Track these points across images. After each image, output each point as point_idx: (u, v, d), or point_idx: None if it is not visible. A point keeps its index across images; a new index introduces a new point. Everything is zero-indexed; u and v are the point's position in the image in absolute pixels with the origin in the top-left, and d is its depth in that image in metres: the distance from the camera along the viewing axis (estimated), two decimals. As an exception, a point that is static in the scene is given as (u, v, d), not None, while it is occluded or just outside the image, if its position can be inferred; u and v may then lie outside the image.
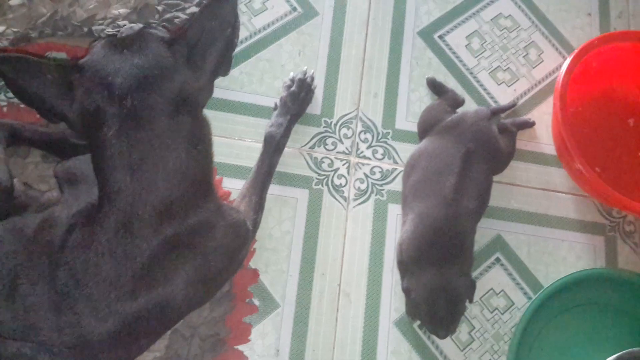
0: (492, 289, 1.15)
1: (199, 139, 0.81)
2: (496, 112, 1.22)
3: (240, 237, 0.90)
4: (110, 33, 1.12)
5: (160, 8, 1.22)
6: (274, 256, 1.12)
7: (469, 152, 1.08)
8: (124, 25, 1.15)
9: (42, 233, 0.83)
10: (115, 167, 0.77)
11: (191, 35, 0.81)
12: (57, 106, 0.79)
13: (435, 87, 1.25)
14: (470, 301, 1.05)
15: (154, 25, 1.09)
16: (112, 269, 0.78)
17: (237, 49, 1.23)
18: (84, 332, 0.78)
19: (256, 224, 1.06)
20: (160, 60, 0.78)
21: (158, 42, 0.80)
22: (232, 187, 1.14)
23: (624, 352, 1.03)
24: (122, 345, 0.82)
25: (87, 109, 0.77)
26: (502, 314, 1.14)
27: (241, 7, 1.26)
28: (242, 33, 1.25)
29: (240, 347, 1.06)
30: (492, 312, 1.14)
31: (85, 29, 1.17)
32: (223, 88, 1.20)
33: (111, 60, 0.78)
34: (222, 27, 0.82)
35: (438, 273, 1.01)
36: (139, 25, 0.90)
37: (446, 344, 1.11)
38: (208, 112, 1.16)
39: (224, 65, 0.84)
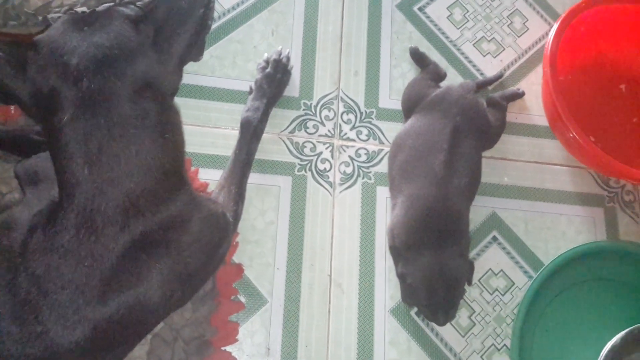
0: (490, 269, 1.10)
1: (167, 127, 0.74)
2: (482, 85, 1.17)
3: (219, 230, 0.83)
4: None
5: (122, -9, 1.14)
6: (258, 249, 1.05)
7: (456, 127, 1.02)
8: (83, 12, 1.07)
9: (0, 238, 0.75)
10: (71, 157, 0.69)
11: (159, 14, 0.73)
12: (9, 85, 0.71)
13: (418, 57, 1.18)
14: (469, 284, 0.99)
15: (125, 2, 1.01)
16: (77, 272, 0.71)
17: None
18: (50, 343, 0.71)
19: (237, 216, 0.99)
20: (122, 40, 0.70)
21: (122, 20, 0.72)
22: (210, 178, 1.07)
23: (633, 327, 0.99)
24: (95, 354, 0.75)
25: (40, 90, 0.69)
26: (503, 295, 1.09)
27: (209, -14, 1.19)
28: (211, 14, 1.17)
29: (227, 348, 0.99)
30: (492, 294, 1.08)
31: (40, 18, 1.08)
32: (193, 73, 1.12)
33: (69, 37, 0.70)
34: (194, 7, 0.74)
35: (434, 256, 0.95)
36: (110, 4, 0.82)
37: (446, 331, 1.04)
38: (178, 100, 1.07)
39: (195, 49, 0.76)
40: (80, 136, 0.68)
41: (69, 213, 0.71)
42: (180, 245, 0.76)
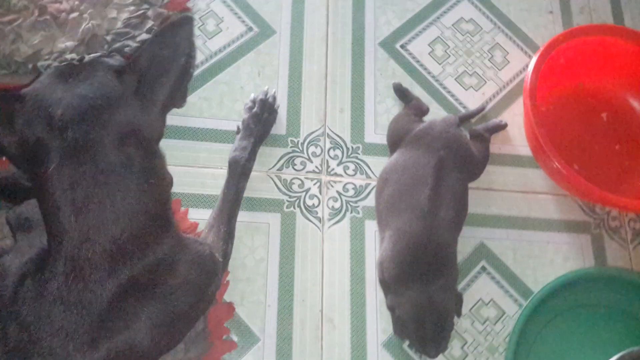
0: (480, 299, 1.10)
1: (152, 173, 0.75)
2: (465, 118, 1.19)
3: (206, 271, 0.84)
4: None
5: (109, 38, 1.17)
6: (249, 287, 1.06)
7: (441, 161, 1.04)
8: (72, 59, 1.10)
9: (-10, 286, 0.76)
10: (58, 206, 0.70)
11: (142, 64, 0.75)
12: None
13: (401, 93, 1.21)
14: (458, 316, 1.00)
15: (110, 54, 1.03)
16: (67, 319, 0.72)
17: (194, 74, 1.17)
18: (42, 391, 0.71)
19: (227, 255, 1.00)
20: (105, 90, 0.73)
21: (106, 71, 0.75)
22: (199, 217, 1.08)
23: (624, 352, 0.99)
24: (86, 400, 0.75)
25: (27, 141, 0.71)
26: (494, 324, 1.09)
27: (194, 31, 1.22)
28: (198, 57, 1.20)
29: (220, 388, 0.99)
30: (483, 324, 1.09)
31: (30, 66, 1.11)
32: (182, 115, 1.15)
33: (54, 89, 0.73)
34: (176, 57, 0.76)
35: (422, 289, 0.95)
36: (97, 54, 0.84)
37: (439, 363, 1.05)
38: (168, 142, 1.12)
39: (178, 96, 0.78)
40: (66, 185, 0.70)
41: (57, 261, 0.72)
42: (168, 288, 0.77)
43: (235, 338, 1.02)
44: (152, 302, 0.76)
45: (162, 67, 0.75)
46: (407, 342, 1.05)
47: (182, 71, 0.77)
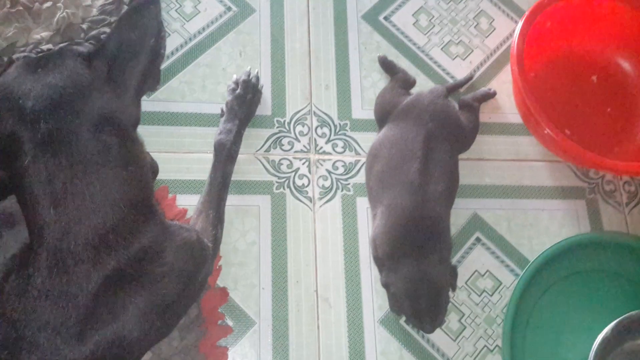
0: (476, 270, 1.09)
1: (130, 160, 0.73)
2: (453, 88, 1.17)
3: (194, 258, 0.82)
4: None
5: (85, 26, 1.15)
6: (242, 271, 1.05)
7: (429, 134, 1.02)
8: (49, 50, 1.08)
9: (-25, 284, 0.75)
10: (36, 199, 0.69)
11: (111, 49, 0.73)
12: None
13: (387, 66, 1.19)
14: (453, 289, 0.99)
15: (80, 42, 1.01)
16: (53, 313, 0.70)
17: (174, 58, 1.16)
18: (32, 387, 0.70)
19: (217, 240, 0.98)
20: (75, 78, 0.71)
21: (75, 59, 0.73)
22: (188, 203, 1.06)
23: (623, 317, 0.99)
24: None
25: (0, 136, 0.69)
26: (491, 295, 1.08)
27: (172, 14, 1.19)
28: (177, 40, 1.17)
29: (218, 374, 0.98)
30: (480, 295, 1.08)
31: (6, 59, 1.08)
32: (164, 100, 1.13)
33: (23, 81, 0.71)
34: (144, 38, 0.74)
35: (416, 265, 0.94)
36: (64, 43, 0.82)
37: (437, 336, 1.04)
38: (151, 128, 1.10)
39: (150, 79, 0.76)
40: (43, 178, 0.68)
41: (39, 255, 0.70)
42: (155, 277, 0.75)
43: (230, 323, 1.01)
44: (139, 292, 0.74)
45: (131, 50, 0.73)
46: (403, 318, 1.04)
47: (153, 53, 0.75)
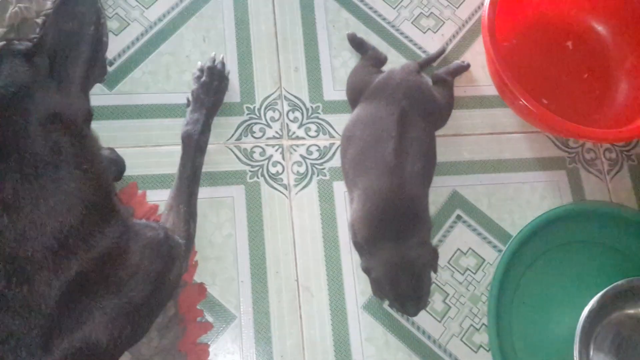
0: (458, 249, 1.07)
1: (83, 158, 0.70)
2: (425, 63, 1.14)
3: (162, 257, 0.79)
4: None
5: (39, 20, 1.09)
6: (219, 265, 1.02)
7: (403, 112, 0.99)
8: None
9: None
10: None
11: (49, 43, 0.69)
12: None
13: (357, 44, 1.15)
14: (435, 271, 0.96)
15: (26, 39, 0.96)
16: (15, 324, 0.67)
17: (134, 48, 1.11)
18: (-3, 404, 0.67)
19: (190, 236, 0.95)
20: (15, 77, 0.67)
21: (14, 57, 0.69)
22: (159, 199, 1.03)
23: (608, 287, 0.97)
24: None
25: None
26: (475, 273, 1.06)
27: (130, 2, 1.14)
28: (137, 29, 1.12)
29: (201, 371, 0.96)
30: (463, 274, 1.06)
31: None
32: (127, 93, 1.08)
33: None
34: (83, 27, 0.70)
35: (395, 248, 0.92)
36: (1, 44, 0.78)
37: (422, 318, 1.02)
38: (115, 123, 1.06)
39: (96, 69, 0.73)
40: None
41: (-4, 264, 0.67)
42: (121, 280, 0.72)
43: (210, 319, 0.99)
44: (105, 297, 0.71)
45: (71, 41, 0.70)
46: (387, 302, 1.02)
47: (94, 42, 0.71)
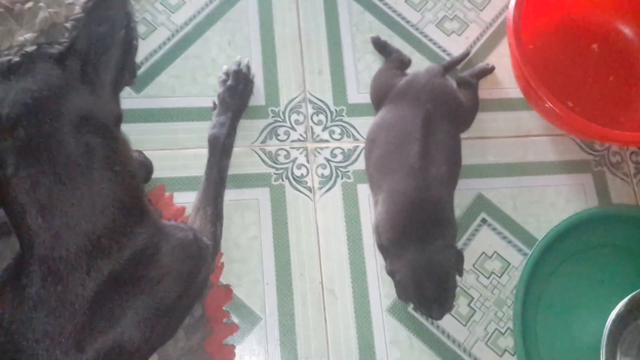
0: (483, 252, 1.07)
1: (116, 159, 0.71)
2: (450, 66, 1.14)
3: (192, 257, 0.80)
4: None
5: (68, 25, 1.12)
6: (245, 267, 1.02)
7: (428, 115, 0.99)
8: (30, 50, 1.05)
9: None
10: (23, 209, 0.67)
11: (81, 46, 0.70)
12: None
13: (381, 47, 1.16)
14: (460, 275, 0.96)
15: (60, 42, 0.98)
16: (49, 324, 0.68)
17: (161, 52, 1.13)
18: (32, 400, 0.68)
19: (217, 237, 0.96)
20: (49, 80, 0.68)
21: (46, 61, 0.70)
22: (186, 201, 1.04)
23: (636, 292, 0.96)
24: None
25: None
26: (500, 277, 1.06)
27: (157, 6, 1.16)
28: (163, 34, 1.14)
29: (227, 372, 0.97)
30: (488, 278, 1.06)
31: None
32: (154, 97, 1.10)
33: None
34: (114, 31, 0.71)
35: (420, 251, 0.92)
36: (33, 47, 0.80)
37: (447, 322, 1.02)
38: (143, 126, 1.08)
39: (126, 73, 0.74)
40: (27, 186, 0.66)
41: (31, 265, 0.68)
42: (152, 280, 0.73)
43: (236, 320, 0.99)
44: (137, 297, 0.72)
45: (102, 45, 0.71)
46: (411, 306, 1.02)
47: (124, 45, 0.72)
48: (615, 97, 1.20)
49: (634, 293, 0.96)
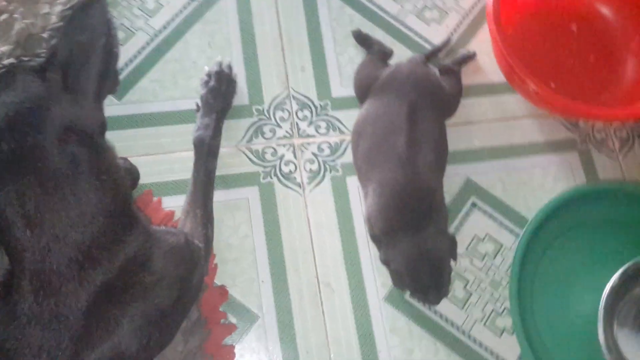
0: (475, 235, 1.07)
1: (101, 169, 0.70)
2: (432, 55, 1.15)
3: (185, 261, 0.80)
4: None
5: (46, 35, 1.10)
6: (238, 266, 1.02)
7: (412, 104, 0.99)
8: (10, 65, 1.04)
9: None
10: (10, 223, 0.66)
11: (62, 56, 0.69)
12: None
13: (362, 39, 1.16)
14: (454, 259, 0.97)
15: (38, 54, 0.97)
16: (45, 338, 0.68)
17: (141, 57, 1.12)
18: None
19: (208, 239, 0.96)
20: (30, 92, 0.67)
21: (27, 73, 0.69)
22: (175, 205, 1.03)
23: (629, 263, 0.97)
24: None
25: None
26: (493, 258, 1.07)
27: (134, 11, 1.15)
28: (142, 38, 1.13)
29: (228, 372, 0.97)
30: (482, 260, 1.06)
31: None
32: (136, 102, 1.09)
33: None
34: (94, 39, 0.71)
35: (413, 239, 0.92)
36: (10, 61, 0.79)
37: (445, 306, 1.02)
38: (127, 132, 1.07)
39: (109, 81, 0.73)
40: (14, 200, 0.65)
41: (22, 280, 0.67)
42: (146, 287, 0.73)
43: (233, 320, 0.99)
44: (131, 304, 0.72)
45: (82, 54, 0.70)
46: (408, 293, 1.02)
47: (106, 53, 0.72)
48: (597, 75, 1.20)
49: (626, 265, 0.97)
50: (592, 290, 1.00)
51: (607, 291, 0.96)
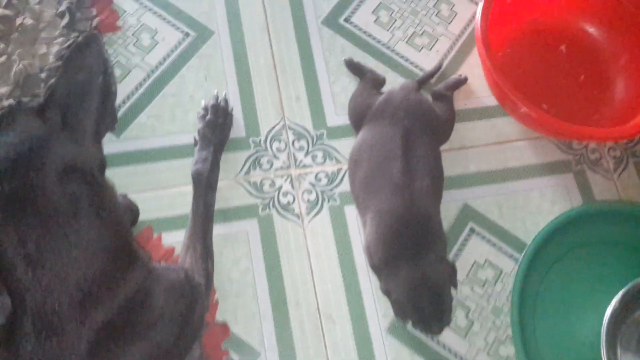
0: (475, 262, 1.07)
1: (101, 207, 0.71)
2: (423, 81, 1.16)
3: (185, 297, 0.80)
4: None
5: (43, 75, 1.12)
6: (239, 301, 1.02)
7: (406, 131, 1.00)
8: (9, 105, 1.05)
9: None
10: (12, 264, 0.66)
11: (60, 96, 0.71)
12: None
13: (355, 68, 1.17)
14: (455, 287, 0.96)
15: (37, 94, 0.99)
16: (49, 380, 0.68)
17: (138, 93, 1.13)
18: None
19: (209, 274, 0.96)
20: (30, 133, 0.68)
21: (26, 114, 0.70)
22: (175, 240, 1.03)
23: (628, 286, 0.98)
24: None
25: None
26: (494, 285, 1.06)
27: (130, 49, 1.16)
28: (139, 75, 1.14)
29: (231, 409, 0.96)
30: (483, 287, 1.06)
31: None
32: (134, 138, 1.10)
33: None
34: (91, 78, 0.72)
35: (412, 267, 0.92)
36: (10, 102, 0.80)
37: (447, 336, 1.02)
38: (125, 169, 1.08)
39: (107, 118, 0.74)
40: (15, 241, 0.65)
41: (24, 321, 0.67)
42: (147, 324, 0.73)
43: (236, 357, 0.99)
44: (133, 343, 0.72)
45: (80, 93, 0.71)
46: (410, 323, 1.01)
47: (103, 91, 0.73)
48: (588, 95, 1.22)
49: (627, 287, 0.97)
50: (594, 313, 1.00)
51: (608, 315, 0.96)
